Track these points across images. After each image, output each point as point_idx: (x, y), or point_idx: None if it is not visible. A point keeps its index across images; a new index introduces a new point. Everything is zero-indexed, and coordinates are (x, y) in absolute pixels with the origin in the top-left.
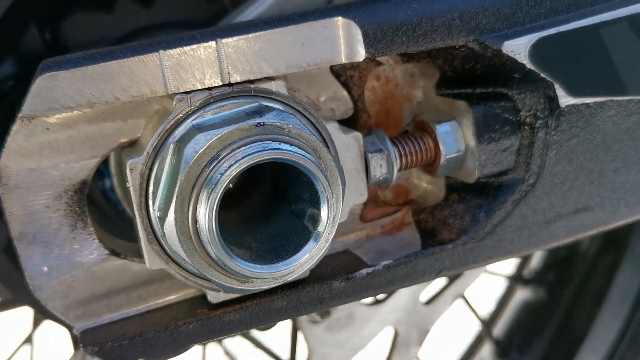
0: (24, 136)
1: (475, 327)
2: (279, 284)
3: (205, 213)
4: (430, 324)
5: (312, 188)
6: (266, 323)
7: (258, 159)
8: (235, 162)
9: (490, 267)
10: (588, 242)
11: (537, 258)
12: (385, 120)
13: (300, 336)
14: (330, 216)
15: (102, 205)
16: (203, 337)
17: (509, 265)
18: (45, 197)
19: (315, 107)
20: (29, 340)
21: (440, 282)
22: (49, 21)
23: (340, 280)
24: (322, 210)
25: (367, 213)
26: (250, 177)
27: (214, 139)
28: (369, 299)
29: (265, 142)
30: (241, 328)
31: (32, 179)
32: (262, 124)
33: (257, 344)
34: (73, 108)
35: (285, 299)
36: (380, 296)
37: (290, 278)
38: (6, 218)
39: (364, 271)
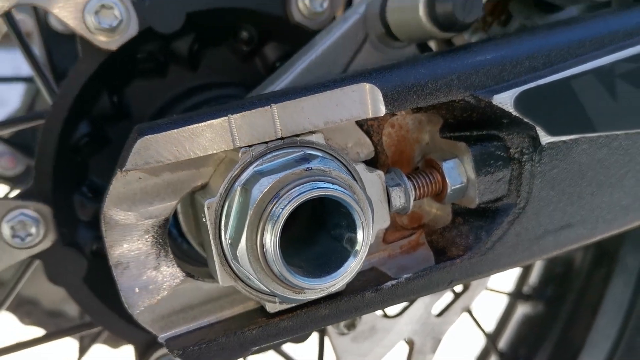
0: (122, 184)
1: (482, 341)
2: (324, 294)
3: (270, 239)
4: (441, 333)
5: (350, 217)
6: (313, 329)
7: (310, 196)
8: (292, 199)
9: (492, 285)
10: (582, 257)
11: (535, 275)
12: (400, 159)
13: (328, 346)
14: (365, 238)
15: None
16: (262, 340)
17: (509, 282)
18: (137, 232)
19: (344, 152)
20: None
21: (448, 296)
22: (116, 88)
23: (370, 291)
24: (358, 234)
25: (388, 236)
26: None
27: (274, 181)
28: (388, 312)
29: (313, 182)
30: (293, 333)
31: (127, 218)
32: (310, 168)
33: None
34: (163, 162)
35: (327, 307)
36: (398, 310)
37: (333, 289)
38: (107, 250)
39: (389, 283)
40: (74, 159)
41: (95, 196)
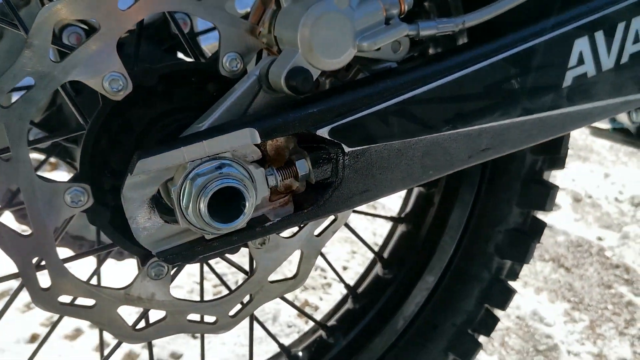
0: (131, 180)
1: (371, 254)
2: (233, 230)
3: (203, 206)
4: (321, 246)
5: (242, 195)
6: (230, 246)
7: (221, 186)
8: (213, 188)
9: (381, 212)
10: (436, 194)
11: (409, 206)
12: (277, 158)
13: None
14: (250, 205)
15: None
16: (205, 252)
17: (394, 210)
18: (139, 202)
19: (243, 157)
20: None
21: (325, 223)
22: (122, 114)
23: (258, 228)
24: (246, 204)
25: (272, 198)
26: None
27: (204, 180)
28: (286, 234)
29: (223, 179)
30: (220, 248)
31: (134, 195)
32: (222, 172)
33: (230, 262)
34: (152, 170)
35: (237, 235)
36: (292, 232)
37: (236, 228)
38: (125, 211)
39: (269, 223)
40: (101, 155)
41: (113, 175)
